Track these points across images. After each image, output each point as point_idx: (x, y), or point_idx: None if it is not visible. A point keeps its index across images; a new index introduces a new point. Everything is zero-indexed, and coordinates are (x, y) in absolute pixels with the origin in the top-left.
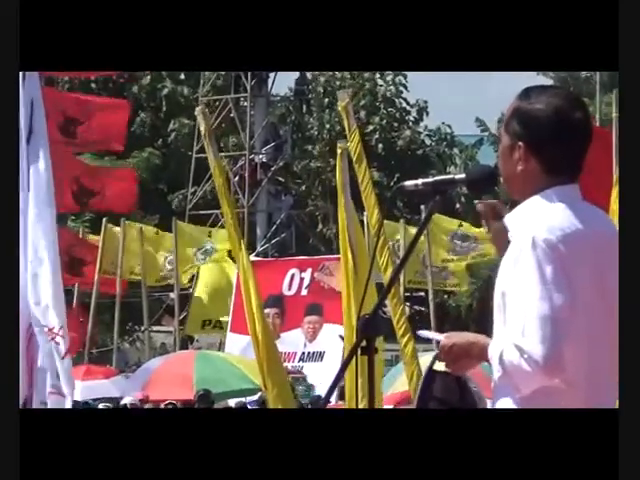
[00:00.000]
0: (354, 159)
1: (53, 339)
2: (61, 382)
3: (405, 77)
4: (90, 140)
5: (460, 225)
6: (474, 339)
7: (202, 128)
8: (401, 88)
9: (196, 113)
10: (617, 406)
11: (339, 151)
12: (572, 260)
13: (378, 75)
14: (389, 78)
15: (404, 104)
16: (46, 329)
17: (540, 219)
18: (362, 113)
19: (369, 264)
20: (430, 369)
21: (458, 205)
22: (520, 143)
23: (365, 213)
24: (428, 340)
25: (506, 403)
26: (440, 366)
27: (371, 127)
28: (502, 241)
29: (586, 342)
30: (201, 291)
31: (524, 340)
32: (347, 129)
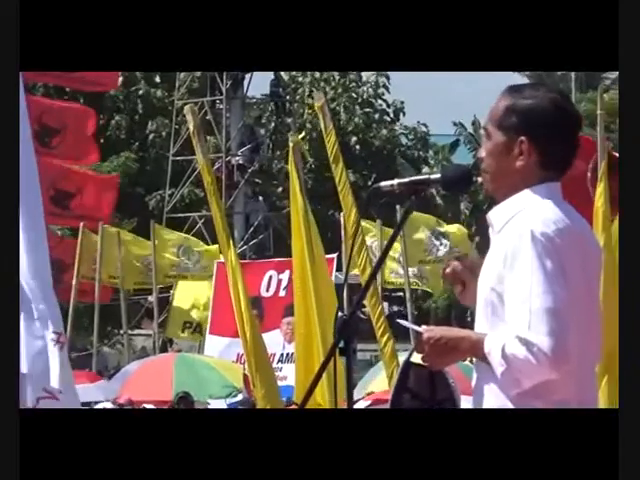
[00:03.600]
0: (331, 159)
1: (60, 343)
2: (64, 387)
3: (388, 79)
4: (65, 151)
5: (437, 222)
6: (464, 334)
7: (191, 126)
8: (382, 90)
9: (185, 111)
10: (595, 403)
11: (291, 145)
12: (566, 254)
13: (354, 75)
14: (372, 79)
15: (383, 105)
16: (54, 335)
17: (535, 213)
18: (342, 115)
19: (324, 265)
20: (407, 361)
21: (436, 203)
22: (522, 138)
23: (342, 214)
24: (407, 338)
25: (493, 401)
26: (417, 358)
27: (350, 128)
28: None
29: (581, 333)
30: (182, 293)
31: (531, 333)
32: (323, 129)
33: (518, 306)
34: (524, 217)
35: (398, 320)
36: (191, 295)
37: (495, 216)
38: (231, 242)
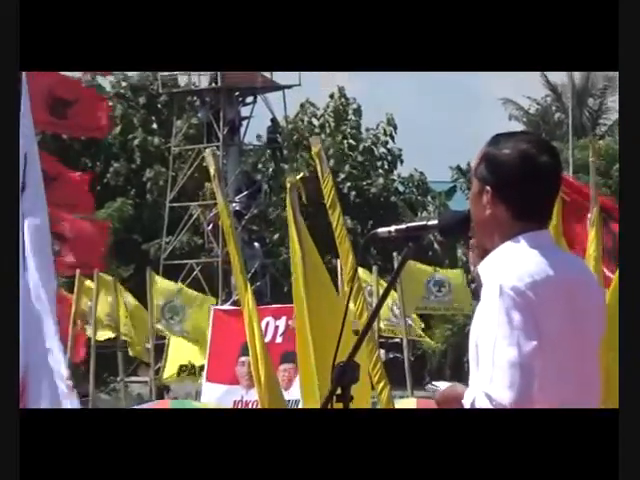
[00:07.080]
0: (328, 205)
1: (69, 386)
2: None
3: (395, 128)
4: (78, 122)
5: (435, 270)
6: (449, 390)
7: (212, 169)
8: (387, 138)
9: (205, 155)
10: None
11: (288, 185)
12: (542, 307)
13: (354, 122)
14: (381, 126)
15: (384, 152)
16: (65, 379)
17: (509, 266)
18: (331, 162)
19: (329, 306)
20: None
21: (431, 252)
22: (487, 187)
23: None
24: (404, 385)
25: None
26: None
27: (343, 175)
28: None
29: (557, 388)
30: (178, 340)
31: (492, 387)
32: (320, 174)
33: (485, 360)
34: (499, 270)
35: (431, 384)
36: (186, 342)
37: (482, 269)
38: (248, 285)
